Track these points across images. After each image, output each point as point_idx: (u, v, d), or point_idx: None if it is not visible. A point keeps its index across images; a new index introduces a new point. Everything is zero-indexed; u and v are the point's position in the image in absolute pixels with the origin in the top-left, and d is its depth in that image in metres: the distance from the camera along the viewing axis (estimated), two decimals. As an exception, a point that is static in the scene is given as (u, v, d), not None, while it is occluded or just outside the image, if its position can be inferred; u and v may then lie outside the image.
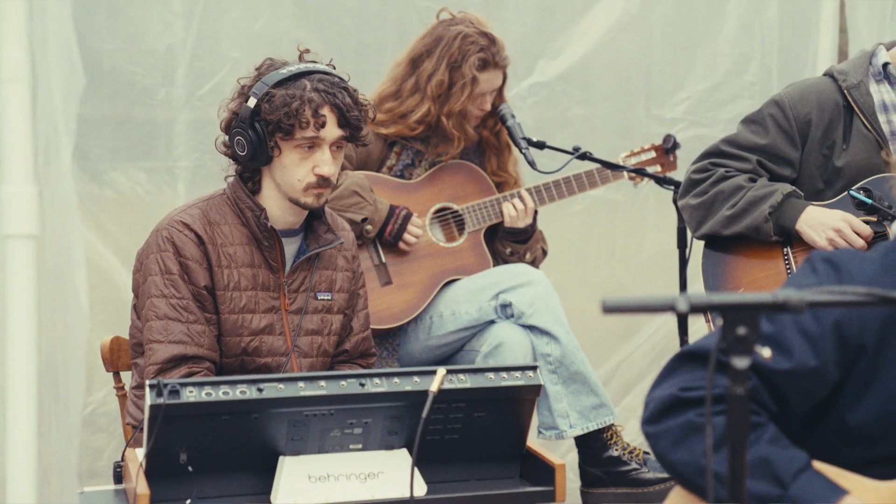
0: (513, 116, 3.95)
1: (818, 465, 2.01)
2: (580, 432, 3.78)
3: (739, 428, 1.66)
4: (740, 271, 3.62)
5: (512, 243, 3.99)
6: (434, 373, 2.33)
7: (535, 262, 4.06)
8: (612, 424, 3.82)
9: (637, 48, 4.64)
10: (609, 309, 1.66)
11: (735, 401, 1.66)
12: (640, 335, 4.75)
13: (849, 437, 2.06)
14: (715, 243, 3.66)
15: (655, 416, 2.03)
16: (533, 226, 4.01)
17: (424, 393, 2.30)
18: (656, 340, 4.71)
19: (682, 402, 2.01)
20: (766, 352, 1.69)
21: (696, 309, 1.66)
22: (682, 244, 3.93)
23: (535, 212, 4.02)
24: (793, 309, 1.66)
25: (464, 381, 2.35)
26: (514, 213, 3.95)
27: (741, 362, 1.66)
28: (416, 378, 2.33)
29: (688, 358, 2.06)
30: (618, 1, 4.61)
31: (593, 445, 3.81)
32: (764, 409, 2.02)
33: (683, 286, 3.99)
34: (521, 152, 3.93)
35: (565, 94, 4.64)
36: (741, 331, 1.66)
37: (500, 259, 4.03)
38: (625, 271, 4.80)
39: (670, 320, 4.44)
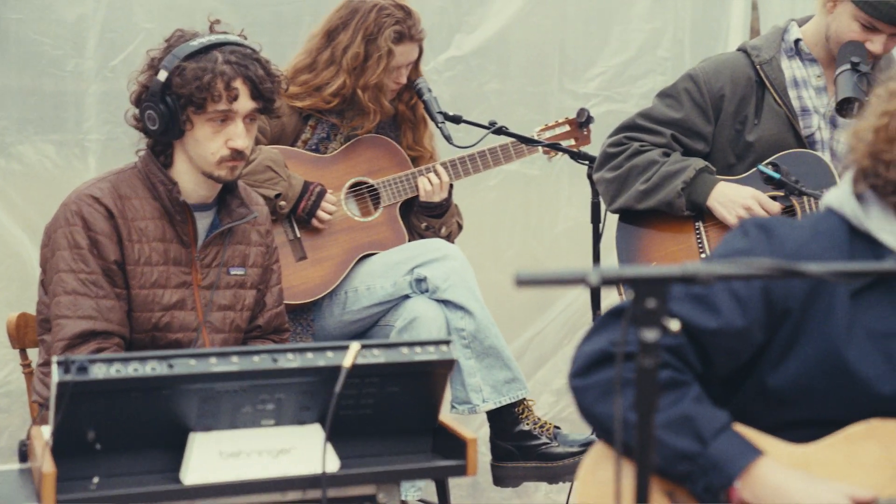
0: (429, 90, 3.94)
1: (738, 426, 2.05)
2: (493, 406, 3.79)
3: (648, 398, 1.68)
4: (653, 245, 3.66)
5: (427, 218, 3.99)
6: (347, 348, 2.31)
7: (450, 237, 4.06)
8: (524, 399, 3.85)
9: (551, 23, 4.64)
10: (522, 282, 1.66)
11: (644, 374, 1.68)
12: (554, 309, 4.78)
13: (767, 400, 2.10)
14: (629, 217, 3.70)
15: (583, 370, 2.05)
16: (448, 200, 4.01)
17: (337, 368, 2.28)
18: (569, 315, 4.74)
19: (609, 357, 2.03)
20: (674, 325, 1.71)
21: (607, 282, 1.67)
22: (595, 218, 3.96)
23: (451, 186, 4.01)
24: (701, 281, 1.68)
25: (377, 356, 2.34)
26: (429, 187, 3.94)
27: (650, 334, 1.68)
28: (329, 353, 2.31)
29: (619, 314, 2.08)
30: (533, -25, 4.63)
31: (505, 419, 3.83)
32: (689, 368, 2.06)
33: (597, 260, 4.02)
34: (437, 126, 3.92)
35: (481, 68, 4.64)
36: (650, 303, 1.68)
37: (415, 233, 4.02)
38: (539, 245, 4.82)
39: (583, 294, 4.48)
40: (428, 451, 2.49)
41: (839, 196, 2.14)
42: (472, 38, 4.60)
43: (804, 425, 2.09)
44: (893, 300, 2.08)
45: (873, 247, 2.08)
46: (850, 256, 2.08)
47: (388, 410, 2.40)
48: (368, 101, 3.85)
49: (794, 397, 2.08)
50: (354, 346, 2.31)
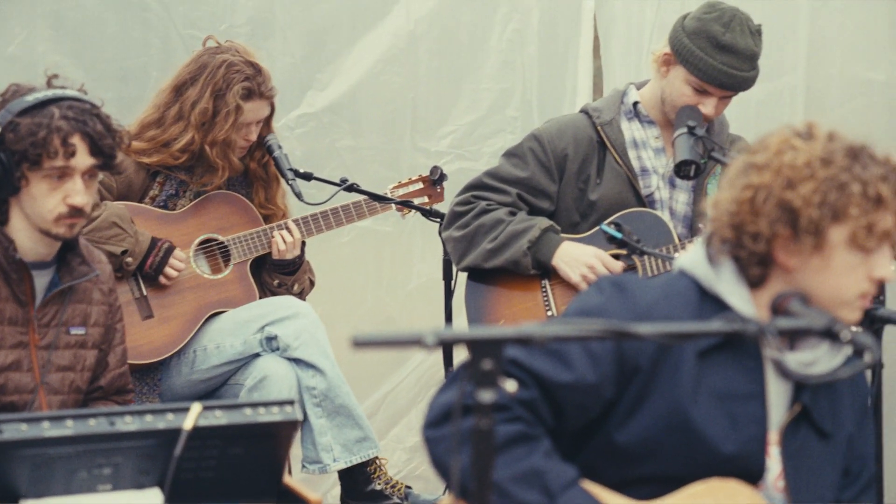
0: (279, 147, 3.92)
1: (584, 482, 2.08)
2: (344, 466, 3.77)
3: (485, 460, 1.69)
4: (501, 303, 3.71)
5: (280, 275, 3.96)
6: (188, 409, 2.27)
7: (302, 294, 4.03)
8: (376, 458, 3.83)
9: (403, 81, 4.69)
10: (359, 345, 1.66)
11: (479, 436, 1.68)
12: (407, 366, 4.78)
13: (614, 456, 2.14)
14: (477, 275, 3.73)
15: (437, 421, 2.05)
16: (301, 257, 3.99)
17: (178, 431, 2.23)
18: (422, 372, 4.75)
19: (465, 408, 2.03)
20: (510, 385, 1.73)
21: (443, 344, 1.68)
22: (447, 276, 3.98)
23: (303, 243, 4.00)
24: (536, 343, 1.70)
25: (219, 418, 2.30)
26: (282, 245, 3.92)
27: (486, 396, 1.69)
28: (169, 415, 2.27)
29: None
30: (385, 34, 4.66)
31: (357, 479, 3.80)
32: (541, 423, 2.08)
33: (449, 317, 4.05)
34: (287, 183, 3.91)
35: (333, 125, 4.64)
36: (487, 364, 1.69)
37: (267, 291, 3.98)
38: (393, 302, 4.82)
39: (436, 351, 4.49)
40: (272, 514, 2.45)
41: (692, 259, 2.20)
42: (324, 94, 4.61)
43: (649, 482, 2.13)
44: (738, 362, 2.14)
45: (722, 309, 2.14)
46: (699, 317, 2.14)
47: (231, 473, 2.36)
48: (217, 157, 3.81)
49: (639, 454, 2.12)
50: (195, 407, 2.27)
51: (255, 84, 3.81)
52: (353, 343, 1.65)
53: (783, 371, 2.12)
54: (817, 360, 2.13)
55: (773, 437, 2.17)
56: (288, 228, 3.94)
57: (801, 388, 2.18)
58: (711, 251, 2.16)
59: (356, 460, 3.78)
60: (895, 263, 2.19)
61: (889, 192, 2.06)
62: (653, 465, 2.12)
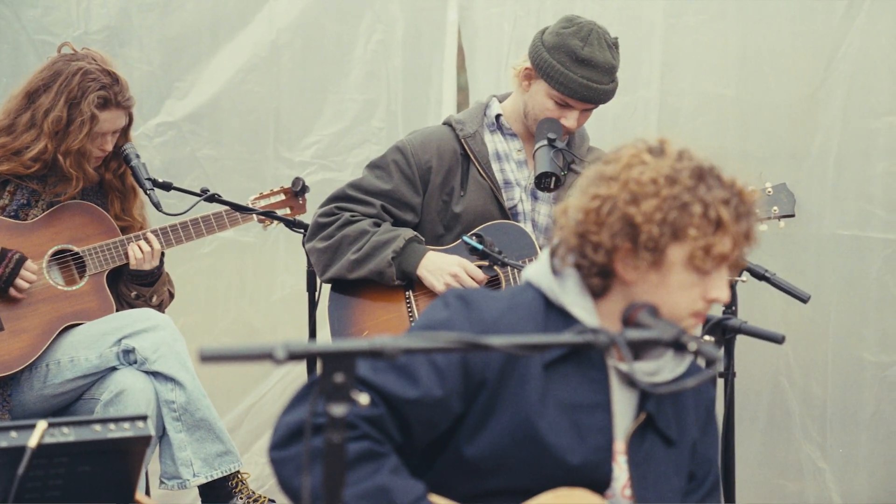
0: (137, 156, 3.84)
1: (434, 497, 2.07)
2: (204, 480, 3.70)
3: (336, 474, 1.67)
4: (366, 314, 3.69)
5: (137, 286, 3.87)
6: (34, 426, 2.20)
7: (161, 306, 3.96)
8: (238, 472, 3.78)
9: (266, 91, 4.64)
10: (206, 359, 1.63)
11: (332, 449, 1.67)
12: (271, 379, 4.73)
13: (464, 470, 2.14)
14: (341, 286, 3.71)
15: (283, 442, 2.02)
16: (159, 268, 3.91)
17: (22, 449, 2.16)
18: (287, 383, 4.70)
19: (311, 428, 2.01)
20: (363, 398, 1.72)
21: (295, 357, 1.66)
22: (311, 287, 3.96)
23: (162, 254, 3.92)
24: (388, 356, 1.69)
25: (67, 435, 2.24)
26: (139, 255, 3.84)
27: (338, 409, 1.68)
28: (13, 433, 2.20)
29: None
30: (247, 43, 4.61)
31: (218, 494, 3.74)
32: (389, 440, 2.06)
33: (313, 329, 4.02)
34: (145, 193, 3.83)
35: (194, 134, 4.58)
36: (339, 378, 1.67)
37: (124, 303, 3.89)
38: (256, 313, 4.77)
39: (301, 363, 4.46)
40: (123, 532, 2.39)
41: (537, 270, 2.22)
42: (183, 103, 4.55)
43: (500, 495, 2.13)
44: (583, 373, 2.16)
45: (567, 320, 2.16)
46: (544, 329, 2.15)
47: (79, 492, 2.30)
48: (71, 167, 3.72)
49: (489, 467, 2.12)
50: (41, 424, 2.21)
51: (112, 93, 3.72)
52: (200, 357, 1.62)
53: (631, 381, 2.16)
54: (661, 368, 2.17)
55: (620, 445, 2.20)
56: (146, 239, 3.86)
57: (646, 396, 2.21)
58: (556, 261, 2.18)
59: (217, 475, 3.72)
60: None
61: (729, 215, 2.09)
62: (502, 478, 2.13)
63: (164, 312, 3.92)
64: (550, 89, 3.54)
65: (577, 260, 2.15)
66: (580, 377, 2.15)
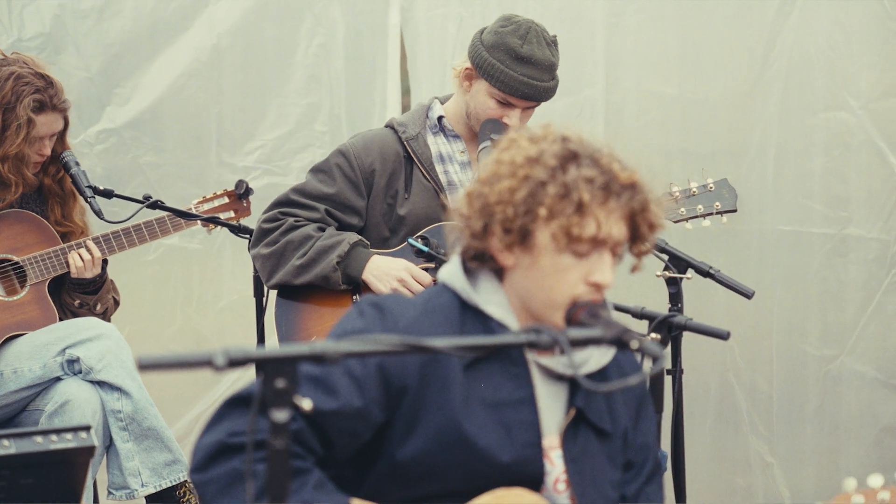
0: (77, 164, 3.80)
1: None
2: (152, 490, 3.67)
3: (280, 481, 1.66)
4: (313, 320, 3.68)
5: (80, 295, 3.83)
6: (-28, 440, 2.17)
7: (106, 314, 3.92)
8: (186, 481, 3.74)
9: (207, 96, 4.61)
10: (145, 367, 1.61)
11: (275, 455, 1.66)
12: (220, 386, 4.69)
13: (398, 478, 2.12)
14: (288, 292, 3.69)
15: (203, 464, 2.00)
16: (102, 276, 3.87)
17: (-38, 463, 2.13)
18: (237, 390, 4.67)
19: (228, 449, 2.00)
20: (306, 403, 1.71)
21: (235, 363, 1.65)
22: (259, 293, 3.93)
23: (105, 261, 3.88)
24: (330, 360, 1.69)
25: (7, 447, 2.21)
26: (80, 263, 3.79)
27: (281, 415, 1.66)
28: (-48, 447, 2.16)
29: (237, 403, 2.06)
30: (187, 48, 4.58)
31: (166, 503, 3.71)
32: (310, 454, 2.05)
33: (261, 335, 3.99)
34: (86, 201, 3.79)
35: (135, 141, 4.54)
36: (280, 383, 1.66)
37: (68, 312, 3.85)
38: (203, 320, 4.73)
39: (251, 368, 4.43)
40: (69, 544, 2.36)
41: (450, 272, 2.21)
42: (124, 110, 4.50)
43: (434, 499, 2.12)
44: (504, 370, 2.15)
45: (482, 319, 2.16)
46: (461, 330, 2.14)
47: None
48: (9, 172, 3.67)
49: (421, 473, 2.11)
50: (-20, 438, 2.17)
51: (47, 96, 3.69)
52: (138, 365, 1.60)
53: (554, 374, 2.16)
54: (588, 357, 2.17)
55: (551, 440, 2.19)
56: (86, 246, 3.82)
57: (575, 391, 2.21)
58: (465, 259, 2.18)
59: (165, 484, 3.69)
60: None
61: (593, 197, 2.06)
62: (435, 482, 2.12)
63: (109, 321, 3.88)
64: (491, 88, 3.54)
65: (462, 248, 2.16)
66: (501, 374, 2.15)
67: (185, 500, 3.75)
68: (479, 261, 2.15)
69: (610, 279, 2.11)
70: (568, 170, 2.07)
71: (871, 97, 3.48)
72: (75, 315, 3.83)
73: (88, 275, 3.81)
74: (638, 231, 2.13)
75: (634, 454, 2.30)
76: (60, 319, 3.80)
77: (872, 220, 3.51)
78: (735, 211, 3.56)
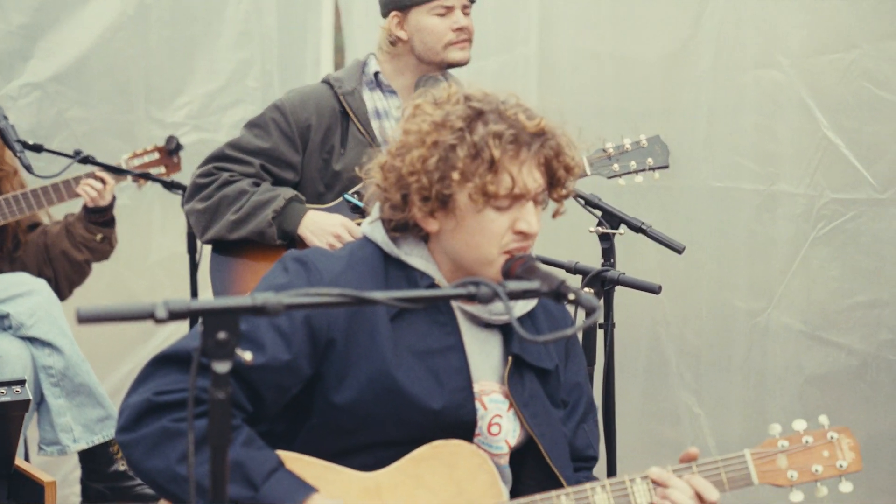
0: (5, 118, 3.74)
1: (295, 460, 2.06)
2: (85, 446, 3.65)
3: (221, 432, 1.66)
4: (247, 275, 3.66)
5: (100, 227, 3.93)
6: None
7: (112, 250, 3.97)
8: (119, 436, 3.73)
9: (134, 51, 4.55)
10: (84, 319, 1.60)
11: (217, 405, 1.66)
12: (155, 339, 4.67)
13: (330, 430, 2.14)
14: (222, 248, 3.67)
15: (130, 424, 2.00)
16: (113, 203, 3.93)
17: None
18: (162, 349, 4.64)
19: (156, 407, 1.99)
20: (247, 355, 1.71)
21: (176, 315, 1.64)
22: (192, 248, 3.91)
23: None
24: (271, 312, 1.69)
25: (-60, 403, 2.19)
26: (93, 193, 3.86)
27: (222, 367, 1.66)
28: None
29: (163, 362, 2.05)
30: (113, 2, 4.50)
31: (98, 460, 3.70)
32: (239, 410, 2.05)
33: (195, 290, 3.98)
34: (15, 156, 3.74)
35: (61, 95, 4.46)
36: (221, 335, 1.66)
37: (85, 250, 3.93)
38: (133, 276, 4.69)
39: (184, 323, 4.41)
40: (3, 499, 2.35)
41: (373, 225, 2.22)
42: (47, 64, 4.43)
43: (368, 448, 2.14)
44: (431, 319, 2.18)
45: (406, 270, 2.18)
46: (385, 282, 2.16)
47: (-45, 461, 2.25)
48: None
49: (354, 424, 2.12)
50: (-88, 393, 2.15)
51: None
52: (77, 318, 1.59)
53: (480, 321, 2.18)
54: (514, 305, 2.19)
55: (483, 385, 2.22)
56: (94, 175, 3.88)
57: (509, 339, 2.24)
58: (387, 228, 2.20)
59: (98, 440, 3.68)
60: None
61: (503, 152, 2.07)
62: (369, 432, 2.13)
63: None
64: (425, 5, 3.55)
65: (383, 217, 2.17)
66: (428, 323, 2.17)
67: (117, 456, 3.74)
68: (402, 231, 2.17)
69: (535, 226, 2.14)
70: (475, 129, 2.08)
71: (801, 55, 3.53)
72: (94, 252, 3.86)
73: (103, 202, 3.81)
74: (555, 176, 2.15)
75: (567, 394, 2.34)
76: (80, 261, 3.80)
77: (800, 176, 3.57)
78: (667, 167, 3.60)
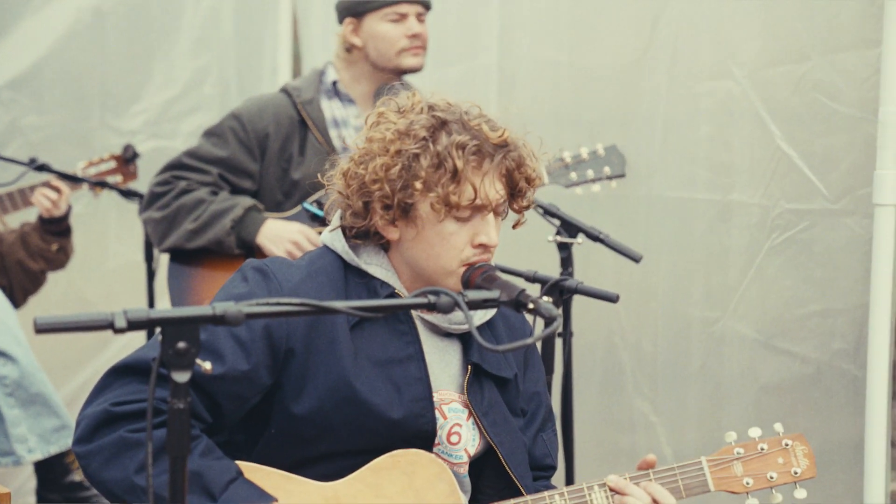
0: (-43, 124, 3.72)
1: (253, 471, 2.05)
2: (40, 457, 3.62)
3: (180, 442, 1.66)
4: (206, 284, 3.65)
5: (56, 238, 3.85)
6: None
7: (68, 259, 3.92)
8: (75, 447, 3.70)
9: (90, 58, 4.53)
10: (42, 329, 1.59)
11: (176, 415, 1.66)
12: (109, 350, 4.63)
13: (290, 439, 2.14)
14: (180, 257, 3.66)
15: (87, 435, 1.99)
16: (69, 213, 3.86)
17: None
18: (129, 352, 4.60)
19: (114, 418, 1.98)
20: (206, 365, 1.71)
21: (136, 325, 1.63)
22: (149, 257, 3.90)
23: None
24: (231, 321, 1.68)
25: None
26: (48, 203, 3.79)
27: (182, 377, 1.66)
28: None
29: (121, 372, 2.04)
30: (68, 9, 4.48)
31: (54, 470, 3.67)
32: (198, 421, 2.04)
33: (151, 299, 3.95)
34: (-31, 163, 3.71)
35: (15, 102, 4.44)
36: (181, 345, 1.66)
37: (42, 261, 3.83)
38: (87, 285, 4.65)
39: (141, 333, 4.38)
40: (-45, 512, 2.32)
41: (331, 234, 2.22)
42: (2, 70, 4.42)
43: (328, 457, 2.13)
44: (390, 328, 2.18)
45: (366, 279, 2.19)
46: (345, 291, 2.17)
47: None
48: None
49: (314, 433, 2.12)
50: None
51: None
52: (35, 327, 1.58)
53: (440, 330, 2.19)
54: (473, 314, 2.19)
55: (443, 395, 2.23)
56: (49, 185, 3.81)
57: (468, 348, 2.25)
58: (348, 236, 2.20)
59: (54, 450, 3.65)
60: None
61: (466, 163, 2.08)
62: (328, 441, 2.13)
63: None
64: (377, 11, 3.57)
65: (343, 223, 2.18)
66: (388, 332, 2.18)
67: (73, 466, 3.70)
68: (362, 238, 2.17)
69: (495, 238, 2.16)
70: (438, 139, 2.10)
71: (755, 67, 3.56)
72: (49, 262, 3.82)
73: (59, 212, 3.79)
74: (516, 187, 2.17)
75: (526, 403, 2.35)
76: (36, 271, 3.78)
77: (754, 187, 3.60)
78: (623, 176, 3.62)
